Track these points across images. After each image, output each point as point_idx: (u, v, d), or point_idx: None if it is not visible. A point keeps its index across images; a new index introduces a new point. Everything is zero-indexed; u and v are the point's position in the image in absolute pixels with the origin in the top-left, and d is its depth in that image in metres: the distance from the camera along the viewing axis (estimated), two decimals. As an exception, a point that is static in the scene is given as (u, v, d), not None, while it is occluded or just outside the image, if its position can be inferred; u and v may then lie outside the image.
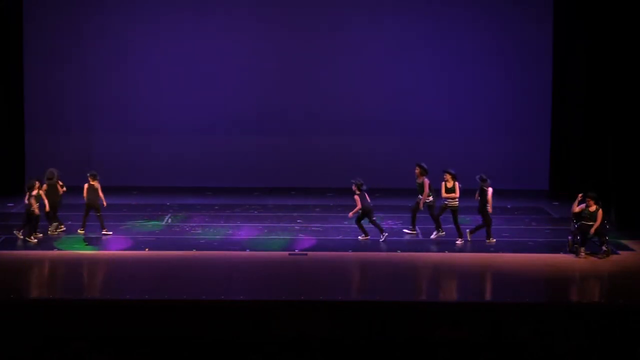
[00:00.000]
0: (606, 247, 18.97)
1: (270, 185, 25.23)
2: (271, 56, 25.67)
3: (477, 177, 20.05)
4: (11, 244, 19.54)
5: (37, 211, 19.45)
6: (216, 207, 23.11)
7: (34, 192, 19.48)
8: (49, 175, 20.18)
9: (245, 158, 25.41)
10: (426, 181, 20.35)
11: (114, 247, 19.48)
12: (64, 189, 20.33)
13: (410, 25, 25.64)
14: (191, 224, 21.36)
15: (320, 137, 25.64)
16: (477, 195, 20.00)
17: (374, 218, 20.13)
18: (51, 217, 20.13)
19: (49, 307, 15.72)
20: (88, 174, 20.27)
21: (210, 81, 25.67)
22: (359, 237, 20.18)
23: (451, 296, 16.98)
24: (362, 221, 20.01)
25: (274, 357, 14.64)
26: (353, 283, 17.65)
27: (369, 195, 20.00)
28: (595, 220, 18.81)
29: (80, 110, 25.66)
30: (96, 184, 20.19)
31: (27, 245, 19.36)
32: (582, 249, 18.95)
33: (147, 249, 19.26)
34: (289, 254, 18.98)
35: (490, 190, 19.94)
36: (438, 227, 20.35)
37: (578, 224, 19.09)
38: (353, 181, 20.00)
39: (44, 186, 19.86)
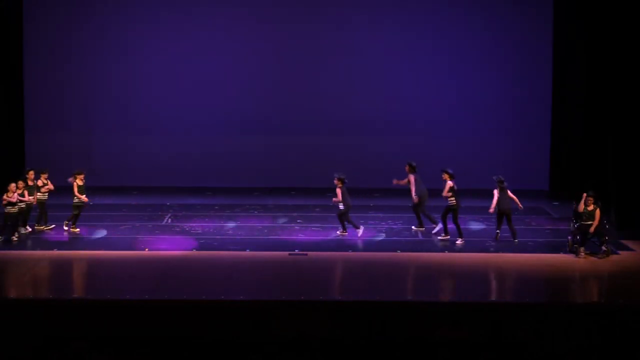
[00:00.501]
0: (606, 247, 18.98)
1: (270, 185, 25.21)
2: (271, 56, 25.68)
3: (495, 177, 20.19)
4: (10, 244, 19.45)
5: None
6: (216, 207, 23.10)
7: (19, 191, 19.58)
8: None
9: (245, 158, 25.41)
10: (411, 178, 20.62)
11: (114, 247, 19.47)
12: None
13: (410, 25, 25.65)
14: (191, 224, 21.34)
15: (320, 137, 25.64)
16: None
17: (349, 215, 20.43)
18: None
19: (49, 307, 15.72)
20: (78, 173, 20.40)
21: (211, 81, 25.67)
22: (337, 232, 20.48)
23: (451, 296, 16.97)
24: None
25: (274, 357, 14.65)
26: (353, 283, 17.62)
27: (348, 193, 20.24)
28: (593, 220, 18.84)
29: (80, 109, 25.67)
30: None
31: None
32: (582, 249, 18.95)
33: (146, 249, 19.26)
34: (289, 254, 18.98)
35: (495, 191, 20.01)
36: (420, 224, 20.87)
37: (578, 223, 19.09)
38: (336, 175, 20.25)
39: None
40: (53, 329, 15.18)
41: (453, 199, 19.96)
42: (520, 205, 20.19)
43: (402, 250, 19.44)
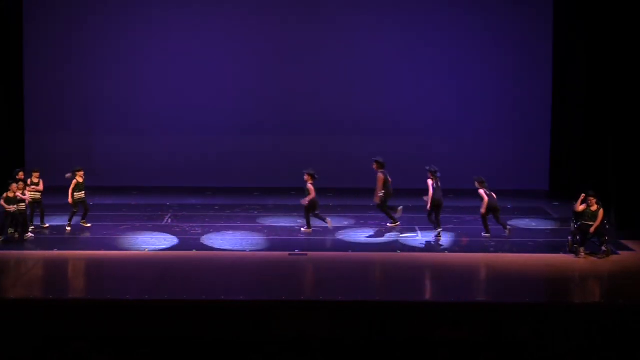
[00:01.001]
0: (606, 247, 19.01)
1: (271, 186, 25.19)
2: (272, 56, 25.69)
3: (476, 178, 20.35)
4: (11, 243, 19.54)
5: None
6: (216, 207, 23.13)
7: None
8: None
9: (245, 158, 25.42)
10: (380, 176, 20.77)
11: (114, 247, 19.50)
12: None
13: (410, 26, 25.64)
14: (191, 224, 21.36)
15: (320, 137, 25.66)
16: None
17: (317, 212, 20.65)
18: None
19: (48, 307, 15.74)
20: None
21: (211, 81, 25.67)
22: (302, 229, 20.71)
23: (451, 296, 16.92)
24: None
25: (274, 357, 14.65)
26: (353, 283, 17.57)
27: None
28: (595, 220, 18.88)
29: (80, 110, 25.68)
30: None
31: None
32: (582, 249, 18.98)
33: (146, 249, 19.30)
34: (289, 254, 19.00)
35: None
36: (392, 218, 21.04)
37: (578, 223, 19.13)
38: (305, 171, 20.54)
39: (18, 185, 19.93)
40: (53, 329, 15.19)
41: (432, 196, 20.15)
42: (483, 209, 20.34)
43: (402, 251, 19.48)
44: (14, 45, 24.65)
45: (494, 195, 20.42)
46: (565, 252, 19.21)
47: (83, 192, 20.65)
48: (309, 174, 20.62)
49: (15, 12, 24.64)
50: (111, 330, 15.24)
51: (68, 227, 20.57)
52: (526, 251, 19.46)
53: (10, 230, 19.81)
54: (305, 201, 20.54)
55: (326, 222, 20.70)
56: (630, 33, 21.47)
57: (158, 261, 18.62)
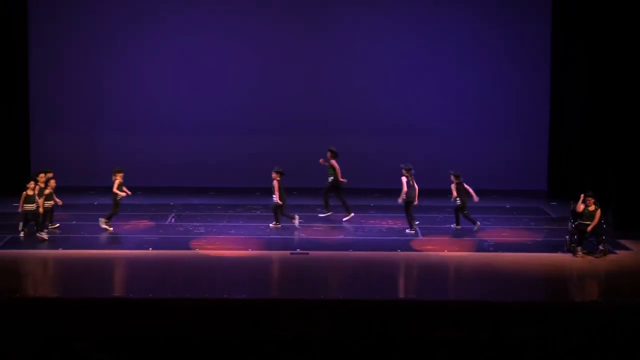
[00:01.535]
0: (603, 247, 19.07)
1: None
2: (273, 57, 25.71)
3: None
4: (16, 243, 19.63)
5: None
6: (219, 207, 23.18)
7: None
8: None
9: (248, 158, 25.40)
10: (334, 163, 21.57)
11: (118, 246, 19.62)
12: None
13: (409, 26, 25.66)
14: (194, 224, 21.44)
15: (322, 138, 25.29)
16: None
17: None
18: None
19: (50, 306, 15.75)
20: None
21: (215, 82, 25.72)
22: (271, 225, 20.99)
23: (450, 296, 16.99)
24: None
25: (275, 356, 14.62)
26: (353, 282, 17.69)
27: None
28: (593, 220, 18.95)
29: (84, 110, 25.71)
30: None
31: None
32: (580, 248, 19.02)
33: (150, 248, 19.37)
34: (291, 254, 19.08)
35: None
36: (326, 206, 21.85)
37: (576, 223, 19.18)
38: (277, 169, 20.86)
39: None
40: (55, 329, 15.16)
41: (406, 192, 20.51)
42: (476, 197, 20.85)
43: (402, 250, 19.53)
44: (19, 45, 24.67)
45: (471, 191, 20.78)
46: (563, 252, 19.25)
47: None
48: (277, 172, 20.88)
49: (20, 13, 24.66)
50: (113, 330, 15.19)
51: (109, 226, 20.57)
52: (525, 250, 19.51)
53: (25, 230, 19.94)
54: (275, 198, 20.77)
55: (277, 221, 21.01)
56: (629, 32, 21.48)
57: (161, 260, 18.67)
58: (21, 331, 15.06)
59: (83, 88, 25.66)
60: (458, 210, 20.98)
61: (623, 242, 20.19)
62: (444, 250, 19.55)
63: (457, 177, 20.84)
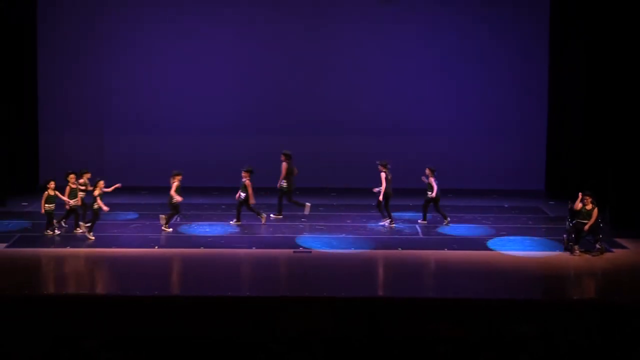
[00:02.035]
0: (600, 245, 19.17)
1: (275, 185, 25.26)
2: (276, 58, 25.82)
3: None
4: (26, 241, 19.77)
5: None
6: (223, 207, 23.23)
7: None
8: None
9: (251, 158, 25.39)
10: (284, 165, 21.84)
11: (125, 245, 19.70)
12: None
13: (407, 26, 25.69)
14: (199, 223, 21.59)
15: (323, 137, 25.75)
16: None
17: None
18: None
19: (58, 304, 15.80)
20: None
21: (221, 83, 25.81)
22: (231, 222, 21.33)
23: (450, 293, 16.91)
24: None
25: (278, 353, 14.47)
26: (355, 280, 17.80)
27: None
28: (590, 219, 19.10)
29: (92, 110, 25.81)
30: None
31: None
32: (577, 246, 19.13)
33: (156, 247, 19.54)
34: (294, 252, 19.19)
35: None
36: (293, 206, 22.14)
37: (573, 222, 19.29)
38: (247, 168, 21.20)
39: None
40: (63, 328, 15.12)
41: (385, 187, 20.95)
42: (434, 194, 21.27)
43: (402, 248, 19.64)
44: (28, 46, 24.69)
45: (435, 188, 21.22)
46: (561, 250, 19.39)
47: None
48: (247, 170, 21.19)
49: (29, 14, 24.67)
50: (120, 329, 15.15)
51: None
52: (523, 249, 19.62)
53: (51, 230, 20.17)
54: (242, 195, 21.07)
55: (238, 219, 21.36)
56: (628, 31, 21.49)
57: (167, 259, 18.81)
58: (30, 330, 15.07)
59: (91, 89, 25.74)
60: (431, 202, 21.34)
61: (620, 240, 20.29)
62: (444, 249, 19.64)
63: (433, 171, 21.20)
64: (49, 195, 20.03)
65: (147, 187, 25.02)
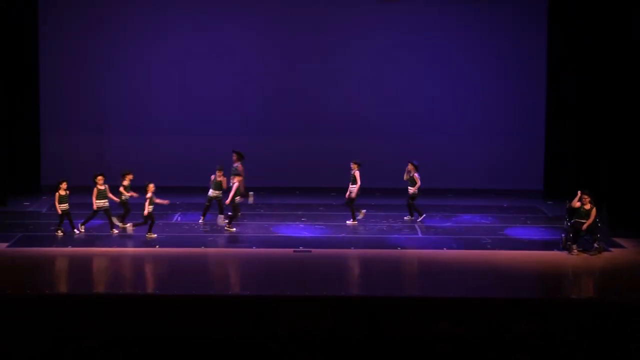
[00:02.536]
0: (598, 244, 19.24)
1: (276, 185, 25.28)
2: (277, 58, 25.81)
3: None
4: (27, 241, 19.81)
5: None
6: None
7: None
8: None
9: (251, 158, 25.46)
10: (239, 167, 22.04)
11: (126, 244, 19.79)
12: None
13: (408, 28, 25.68)
14: (200, 222, 21.62)
15: (324, 137, 25.71)
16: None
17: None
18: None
19: (59, 304, 15.88)
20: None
21: (221, 83, 25.79)
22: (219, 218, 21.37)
23: (449, 292, 16.95)
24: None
25: (278, 352, 14.23)
26: (355, 279, 17.92)
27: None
28: (588, 218, 19.18)
29: (94, 111, 25.80)
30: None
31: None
32: (575, 246, 19.19)
33: (157, 246, 19.60)
34: (294, 251, 19.23)
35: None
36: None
37: (571, 221, 19.34)
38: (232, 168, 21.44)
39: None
40: (64, 327, 15.02)
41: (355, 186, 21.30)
42: (414, 190, 21.51)
43: (402, 248, 19.72)
44: (29, 46, 24.65)
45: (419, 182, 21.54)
46: (558, 249, 19.46)
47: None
48: (235, 174, 21.32)
49: (30, 14, 24.63)
50: (120, 329, 15.04)
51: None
52: (521, 248, 19.70)
53: (61, 230, 20.25)
54: (228, 200, 21.03)
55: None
56: (626, 32, 21.55)
57: (168, 258, 18.85)
58: (30, 330, 15.01)
59: (92, 89, 25.72)
60: (411, 199, 21.55)
61: (618, 240, 20.35)
62: (443, 248, 19.71)
63: (416, 167, 21.40)
64: (60, 196, 20.12)
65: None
